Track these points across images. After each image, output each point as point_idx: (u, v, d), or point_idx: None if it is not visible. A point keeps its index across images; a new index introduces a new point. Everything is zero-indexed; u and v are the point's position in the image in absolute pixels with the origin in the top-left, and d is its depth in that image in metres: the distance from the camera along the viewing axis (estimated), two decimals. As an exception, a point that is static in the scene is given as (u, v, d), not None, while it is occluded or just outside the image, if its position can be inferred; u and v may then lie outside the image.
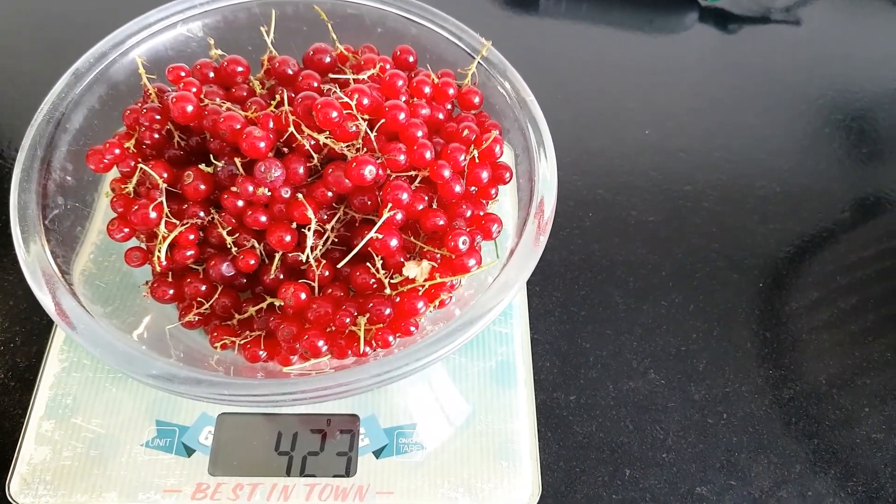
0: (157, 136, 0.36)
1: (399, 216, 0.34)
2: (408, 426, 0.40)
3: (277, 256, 0.35)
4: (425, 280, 0.34)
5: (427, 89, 0.37)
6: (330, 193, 0.34)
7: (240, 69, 0.37)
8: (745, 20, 0.66)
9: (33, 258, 0.32)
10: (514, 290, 0.34)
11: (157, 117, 0.35)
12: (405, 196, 0.33)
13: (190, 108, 0.34)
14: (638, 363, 0.45)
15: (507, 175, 0.38)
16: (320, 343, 0.33)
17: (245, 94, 0.37)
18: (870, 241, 0.53)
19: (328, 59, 0.38)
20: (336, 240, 0.35)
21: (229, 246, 0.35)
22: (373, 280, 0.34)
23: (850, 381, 0.46)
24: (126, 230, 0.35)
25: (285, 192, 0.34)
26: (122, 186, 0.35)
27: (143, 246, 0.37)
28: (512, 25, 0.64)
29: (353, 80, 0.35)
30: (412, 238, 0.35)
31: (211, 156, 0.34)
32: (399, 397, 0.41)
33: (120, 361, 0.30)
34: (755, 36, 0.66)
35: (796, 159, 0.57)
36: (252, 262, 0.35)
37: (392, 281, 0.34)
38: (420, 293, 0.34)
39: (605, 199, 0.52)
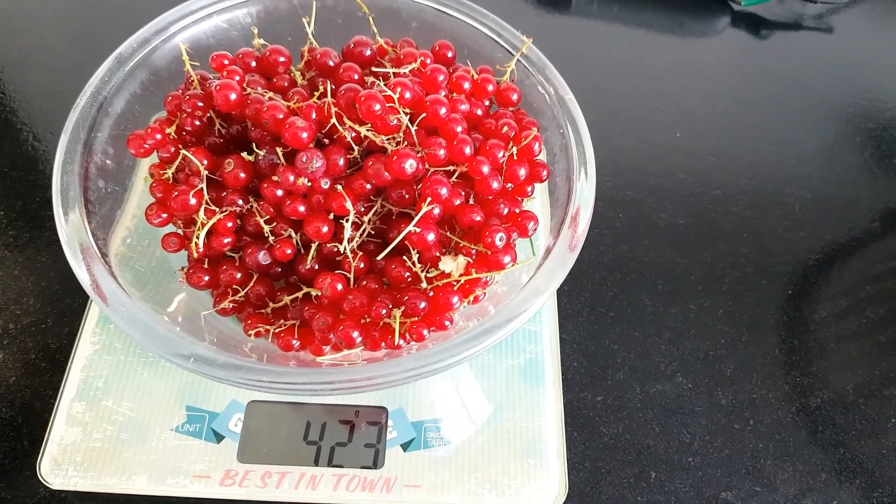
0: (198, 122, 0.36)
1: (437, 211, 0.34)
2: (436, 420, 0.40)
3: (314, 247, 0.35)
4: (461, 275, 0.34)
5: (466, 85, 0.37)
6: (368, 186, 0.34)
7: (282, 59, 0.38)
8: (777, 26, 0.66)
9: (73, 236, 0.33)
10: (549, 292, 0.34)
11: (199, 104, 0.35)
12: (444, 191, 0.33)
13: (233, 97, 0.34)
14: (666, 366, 0.45)
15: (545, 173, 0.38)
16: (355, 334, 0.33)
17: (286, 84, 0.37)
18: (900, 251, 0.52)
19: (368, 53, 0.39)
20: (372, 232, 0.36)
21: (266, 235, 0.35)
22: (408, 273, 0.34)
23: (878, 392, 0.45)
24: (164, 216, 0.35)
25: (325, 183, 0.34)
26: (161, 172, 0.35)
27: (180, 232, 0.37)
28: (543, 24, 0.63)
29: (394, 73, 0.35)
30: (448, 233, 0.35)
31: (253, 144, 0.34)
32: (427, 391, 0.41)
33: (158, 343, 0.31)
34: (787, 42, 0.65)
35: (826, 167, 0.56)
36: (288, 251, 0.35)
37: (428, 275, 0.34)
38: (455, 288, 0.34)
39: (634, 200, 0.52)
